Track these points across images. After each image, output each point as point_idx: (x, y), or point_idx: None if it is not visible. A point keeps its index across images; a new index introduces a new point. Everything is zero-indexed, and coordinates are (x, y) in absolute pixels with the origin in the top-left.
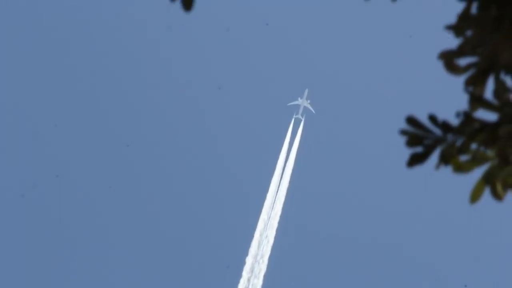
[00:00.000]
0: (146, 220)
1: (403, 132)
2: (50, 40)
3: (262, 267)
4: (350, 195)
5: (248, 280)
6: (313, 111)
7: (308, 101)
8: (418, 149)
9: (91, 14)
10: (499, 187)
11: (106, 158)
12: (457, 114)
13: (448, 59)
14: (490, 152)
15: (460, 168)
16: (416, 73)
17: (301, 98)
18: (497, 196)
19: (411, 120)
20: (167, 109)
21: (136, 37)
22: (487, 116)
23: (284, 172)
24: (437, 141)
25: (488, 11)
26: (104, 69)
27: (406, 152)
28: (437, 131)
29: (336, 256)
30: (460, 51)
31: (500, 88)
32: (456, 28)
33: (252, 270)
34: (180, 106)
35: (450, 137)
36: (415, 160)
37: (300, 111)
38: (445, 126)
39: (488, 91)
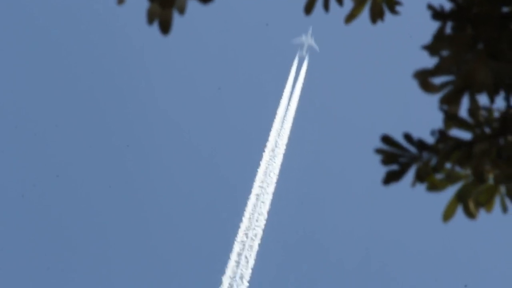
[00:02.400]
0: (145, 220)
1: (379, 151)
2: (50, 40)
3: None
4: (356, 133)
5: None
6: (317, 48)
7: (312, 39)
8: (394, 167)
9: (92, 14)
10: (471, 206)
11: (106, 158)
12: (432, 133)
13: (423, 78)
14: (464, 171)
15: (434, 187)
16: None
17: (305, 36)
18: (470, 214)
19: (386, 139)
20: (167, 109)
21: (136, 38)
22: (462, 134)
23: (288, 109)
24: (413, 159)
25: (463, 31)
26: (104, 69)
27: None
28: (412, 149)
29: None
30: (435, 70)
31: (475, 107)
32: (431, 48)
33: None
34: (181, 104)
35: (425, 155)
36: (391, 178)
37: (304, 49)
38: (420, 144)
39: (463, 109)
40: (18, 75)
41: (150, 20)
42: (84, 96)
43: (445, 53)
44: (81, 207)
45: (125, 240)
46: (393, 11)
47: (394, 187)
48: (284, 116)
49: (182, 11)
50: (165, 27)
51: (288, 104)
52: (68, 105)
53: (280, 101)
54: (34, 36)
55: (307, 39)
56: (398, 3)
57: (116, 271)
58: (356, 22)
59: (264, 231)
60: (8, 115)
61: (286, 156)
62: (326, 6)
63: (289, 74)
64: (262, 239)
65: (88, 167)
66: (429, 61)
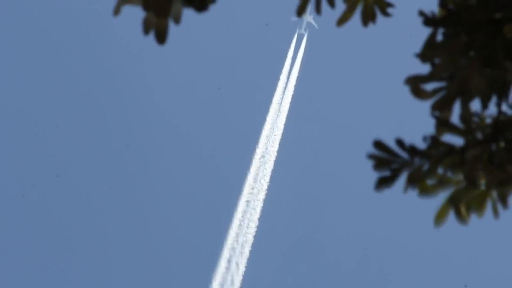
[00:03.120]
0: (146, 220)
1: (371, 156)
2: (50, 40)
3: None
4: (349, 136)
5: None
6: (316, 26)
7: (311, 16)
8: (386, 173)
9: (91, 14)
10: (463, 210)
11: (106, 158)
12: (424, 138)
13: (415, 84)
14: (456, 176)
15: (426, 192)
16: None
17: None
18: (462, 219)
19: (378, 144)
20: (168, 108)
21: (135, 37)
22: (454, 140)
23: (287, 87)
24: (404, 165)
25: (456, 38)
26: (103, 69)
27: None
28: (404, 155)
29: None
30: (428, 77)
31: (467, 113)
32: (423, 55)
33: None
34: (180, 105)
35: (417, 160)
36: (383, 183)
37: (303, 26)
38: (412, 150)
39: (454, 115)
40: (18, 75)
41: (146, 29)
42: (84, 96)
43: (437, 60)
44: (81, 207)
45: (123, 241)
46: (385, 13)
47: (391, 188)
48: (276, 119)
49: (177, 20)
50: (161, 37)
51: (279, 109)
52: (68, 106)
53: (275, 93)
54: (34, 36)
55: (306, 17)
56: (390, 5)
57: (115, 271)
58: (350, 24)
59: (256, 237)
60: (8, 115)
61: (278, 161)
62: (318, 9)
63: (285, 61)
64: (253, 246)
65: (88, 167)
66: (424, 65)
